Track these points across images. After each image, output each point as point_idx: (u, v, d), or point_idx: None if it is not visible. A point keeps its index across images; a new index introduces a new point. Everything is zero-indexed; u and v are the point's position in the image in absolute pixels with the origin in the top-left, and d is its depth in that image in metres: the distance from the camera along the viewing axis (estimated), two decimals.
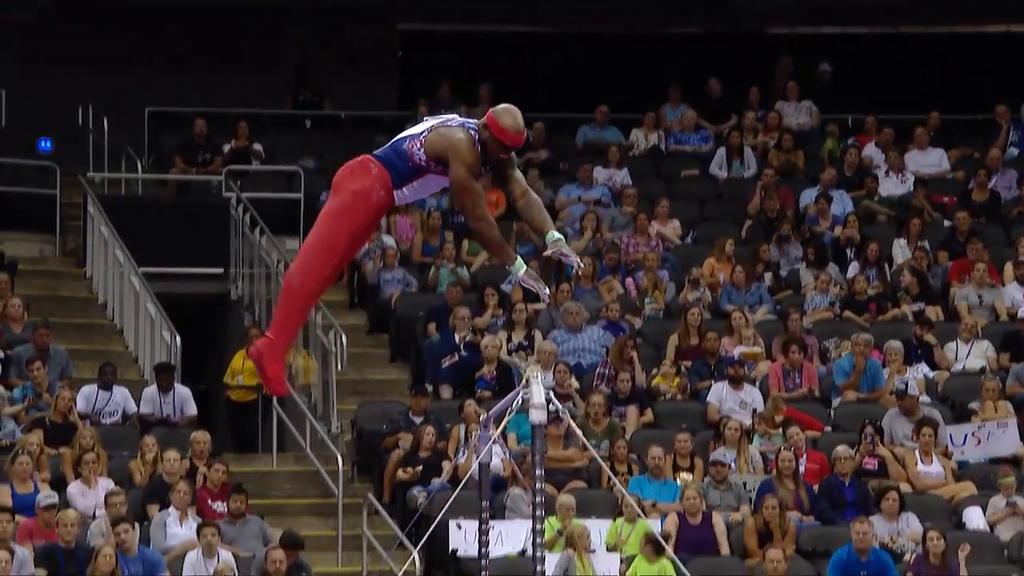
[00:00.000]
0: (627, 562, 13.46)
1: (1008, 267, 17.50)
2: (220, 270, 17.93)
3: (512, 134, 7.07)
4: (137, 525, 13.13)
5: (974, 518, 14.39)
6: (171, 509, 13.47)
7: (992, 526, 14.36)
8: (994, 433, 15.10)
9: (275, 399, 15.76)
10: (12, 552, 12.43)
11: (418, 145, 7.10)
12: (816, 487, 14.48)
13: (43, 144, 19.08)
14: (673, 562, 13.04)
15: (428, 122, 7.22)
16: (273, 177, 19.00)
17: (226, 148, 19.12)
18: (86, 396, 14.95)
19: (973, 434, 15.16)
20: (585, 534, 13.19)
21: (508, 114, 7.12)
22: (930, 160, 19.60)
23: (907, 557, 13.81)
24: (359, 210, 7.15)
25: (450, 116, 7.24)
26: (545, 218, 7.17)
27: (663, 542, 13.10)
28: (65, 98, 19.36)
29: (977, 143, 20.13)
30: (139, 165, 19.04)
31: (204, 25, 20.26)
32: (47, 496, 13.25)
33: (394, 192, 7.18)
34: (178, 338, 15.83)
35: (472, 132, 7.09)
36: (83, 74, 19.66)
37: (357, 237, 7.27)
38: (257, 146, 19.25)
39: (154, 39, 20.13)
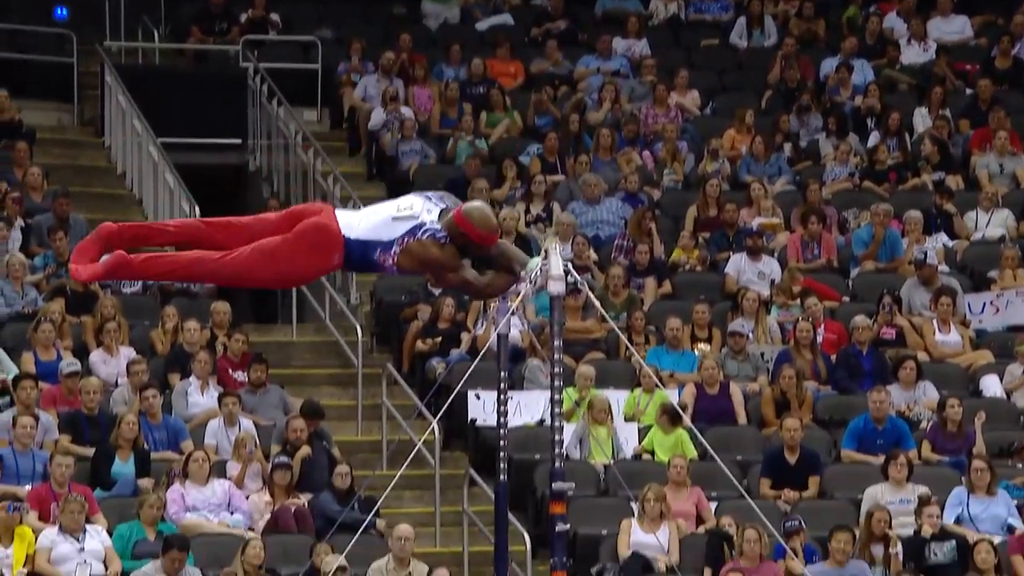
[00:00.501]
0: (644, 432, 13.58)
1: None
2: (238, 141, 17.90)
3: (483, 233, 6.96)
4: (159, 394, 13.26)
5: (991, 386, 14.45)
6: (192, 378, 13.60)
7: (1009, 393, 14.43)
8: (1013, 301, 15.13)
9: None
10: (36, 418, 12.59)
11: (390, 260, 6.93)
12: (834, 357, 14.54)
13: (59, 12, 18.97)
14: (689, 431, 13.14)
15: (396, 217, 6.94)
16: (290, 47, 18.90)
17: (243, 17, 19.00)
18: None
19: (991, 303, 15.18)
20: (606, 405, 13.28)
21: (477, 211, 6.99)
22: (953, 27, 19.42)
23: (923, 425, 13.90)
24: (306, 272, 6.98)
25: (413, 215, 6.94)
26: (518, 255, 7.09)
27: (680, 411, 13.20)
28: None
29: (1000, 9, 19.92)
30: (156, 34, 18.94)
31: None
32: (70, 364, 13.37)
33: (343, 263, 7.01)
34: (197, 208, 15.85)
35: (442, 240, 6.92)
36: None
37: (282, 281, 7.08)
38: (274, 16, 19.12)
39: None
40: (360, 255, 6.98)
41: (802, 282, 15.19)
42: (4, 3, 19.17)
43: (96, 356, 13.81)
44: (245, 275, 6.99)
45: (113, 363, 13.75)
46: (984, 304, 15.23)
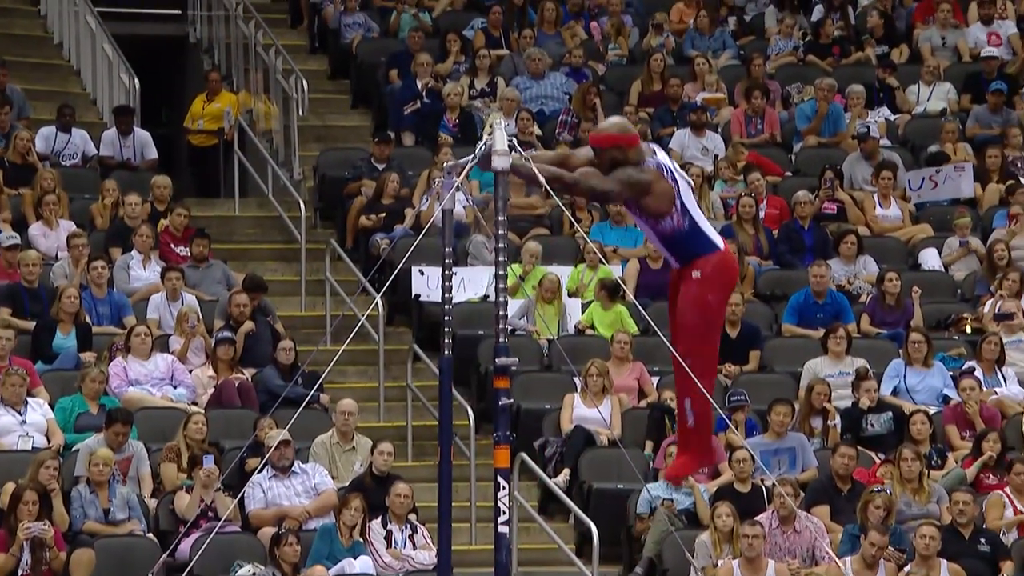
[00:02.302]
0: (587, 308, 13.63)
1: (972, 7, 17.41)
2: (178, 11, 17.65)
3: (622, 136, 7.01)
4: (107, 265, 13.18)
5: (929, 259, 14.59)
6: (134, 252, 13.52)
7: (947, 267, 14.57)
8: (951, 176, 15.22)
9: (236, 145, 15.70)
10: None
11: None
12: (776, 232, 14.61)
13: None
14: (630, 306, 13.20)
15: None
16: None
17: None
18: (45, 137, 14.85)
19: (930, 178, 15.27)
20: (556, 284, 13.29)
21: (611, 126, 7.10)
22: None
23: (863, 298, 14.03)
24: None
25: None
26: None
27: (623, 285, 13.24)
28: None
29: None
30: None
31: None
32: (9, 236, 13.26)
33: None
34: (137, 80, 15.66)
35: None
36: None
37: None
38: None
39: None
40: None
41: (746, 156, 15.21)
42: None
43: (35, 229, 13.70)
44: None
45: (53, 236, 13.65)
46: (923, 179, 15.32)
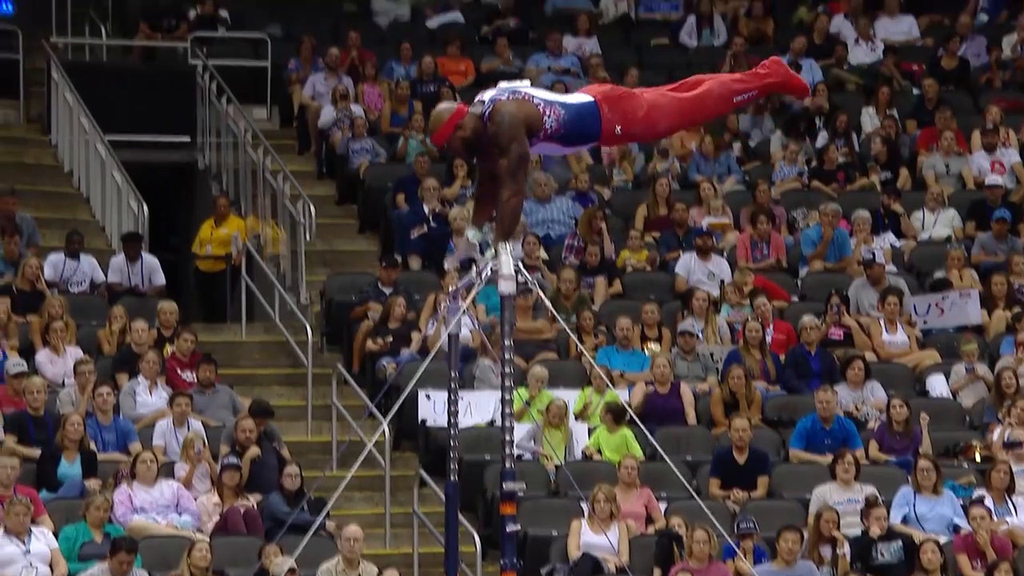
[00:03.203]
0: (593, 432, 13.58)
1: (976, 135, 17.52)
2: (187, 139, 17.81)
3: (448, 120, 7.02)
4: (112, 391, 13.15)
5: (937, 385, 14.54)
6: (140, 378, 13.51)
7: (954, 393, 14.52)
8: (957, 303, 15.22)
9: (243, 270, 15.75)
10: None
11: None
12: (782, 357, 14.59)
13: (5, 6, 18.82)
14: (635, 431, 13.15)
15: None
16: (240, 44, 18.81)
17: (192, 14, 18.90)
18: (53, 264, 14.91)
19: (936, 304, 15.27)
20: (563, 410, 13.26)
21: (433, 122, 7.10)
22: (900, 27, 19.54)
23: (871, 424, 13.97)
24: None
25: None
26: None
27: (628, 409, 13.20)
28: None
29: (946, 9, 20.04)
30: (103, 31, 18.81)
31: None
32: (16, 364, 13.26)
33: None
34: (145, 207, 15.76)
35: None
36: None
37: None
38: (223, 12, 19.03)
39: None
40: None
41: (754, 280, 15.23)
42: None
43: (42, 356, 13.70)
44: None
45: (60, 363, 13.65)
46: (929, 305, 15.33)
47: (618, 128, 7.13)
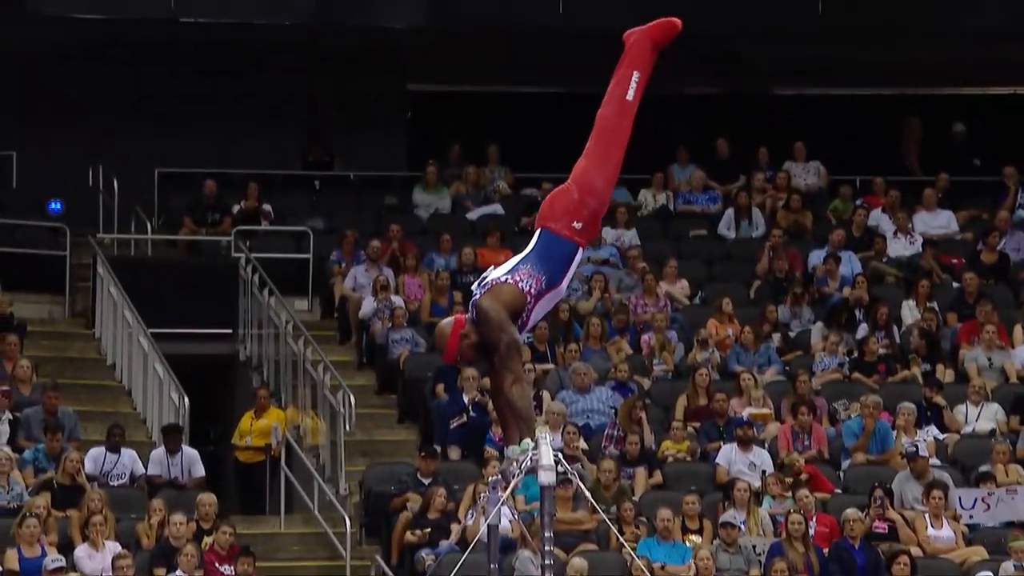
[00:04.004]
0: None
1: (1017, 329, 17.47)
2: (229, 331, 17.93)
3: (452, 338, 7.16)
4: None
5: None
6: (179, 572, 13.41)
7: None
8: (1003, 499, 15.04)
9: (283, 461, 15.72)
10: None
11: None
12: (826, 550, 14.39)
13: (53, 206, 19.14)
14: None
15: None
16: (282, 237, 19.04)
17: (236, 208, 19.17)
18: (94, 458, 14.92)
19: (983, 499, 15.08)
20: None
21: (440, 343, 7.24)
22: (939, 221, 19.61)
23: None
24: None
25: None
26: (511, 429, 7.09)
27: None
28: (75, 159, 19.44)
29: (985, 204, 20.15)
30: (149, 225, 19.08)
31: (213, 85, 20.36)
32: (54, 560, 13.20)
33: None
34: (186, 399, 15.81)
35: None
36: (93, 135, 19.74)
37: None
38: (267, 206, 19.30)
39: (164, 99, 20.23)
40: (543, 257, 7.21)
41: (805, 468, 15.09)
42: None
43: (81, 551, 13.64)
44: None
45: (99, 558, 13.58)
46: (975, 499, 15.14)
47: (576, 224, 7.19)
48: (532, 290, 7.12)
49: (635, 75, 7.30)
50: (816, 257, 18.75)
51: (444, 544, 13.98)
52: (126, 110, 20.13)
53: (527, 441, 7.02)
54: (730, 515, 14.47)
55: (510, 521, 13.32)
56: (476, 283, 7.23)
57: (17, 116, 19.71)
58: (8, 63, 19.56)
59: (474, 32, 19.87)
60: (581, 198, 7.24)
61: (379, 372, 17.35)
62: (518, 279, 7.12)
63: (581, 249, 7.24)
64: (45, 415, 15.12)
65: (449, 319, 7.23)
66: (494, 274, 7.17)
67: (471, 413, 15.79)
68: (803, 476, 15.01)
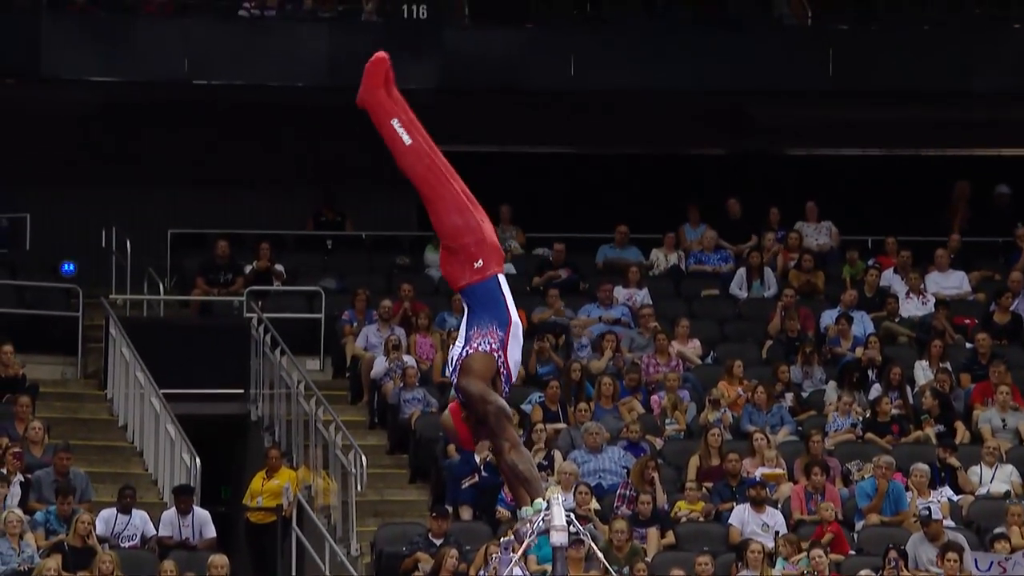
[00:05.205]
0: None
1: None
2: (240, 391, 17.93)
3: (459, 428, 7.29)
4: None
5: None
6: None
7: None
8: (1020, 563, 14.93)
9: (294, 521, 15.68)
10: None
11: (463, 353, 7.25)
12: None
13: (66, 267, 19.20)
14: None
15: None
16: (294, 297, 19.08)
17: (248, 269, 19.21)
18: (105, 520, 14.89)
19: (999, 563, 14.98)
20: None
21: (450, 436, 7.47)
22: (951, 282, 19.59)
23: None
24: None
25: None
26: (521, 491, 7.12)
27: None
28: (88, 221, 19.51)
29: (997, 265, 20.14)
30: (161, 286, 19.12)
31: (225, 146, 20.45)
32: None
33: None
34: (198, 460, 15.78)
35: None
36: (106, 197, 19.82)
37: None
38: (279, 267, 19.34)
39: (176, 161, 20.32)
40: (477, 305, 7.16)
41: (830, 527, 15.02)
42: (12, 261, 19.41)
43: None
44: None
45: None
46: (991, 563, 15.04)
47: (475, 264, 7.18)
48: (494, 345, 7.17)
49: (394, 122, 7.31)
50: (828, 317, 18.73)
51: None
52: (139, 171, 20.22)
53: (539, 501, 7.00)
54: None
55: None
56: (449, 369, 7.28)
57: (31, 177, 19.81)
58: (23, 124, 19.67)
59: (486, 93, 19.95)
60: (457, 245, 7.23)
61: (391, 432, 17.33)
62: (476, 344, 7.17)
63: (496, 275, 7.23)
64: (56, 477, 15.10)
65: (446, 412, 7.31)
66: (455, 352, 7.24)
67: (483, 473, 15.75)
68: (826, 537, 14.93)
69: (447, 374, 7.27)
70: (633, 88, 19.87)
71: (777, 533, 15.20)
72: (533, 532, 7.01)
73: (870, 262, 19.87)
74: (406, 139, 7.32)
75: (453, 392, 7.22)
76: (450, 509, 15.47)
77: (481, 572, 14.15)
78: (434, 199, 7.27)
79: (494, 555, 13.23)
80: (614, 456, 16.11)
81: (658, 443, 16.66)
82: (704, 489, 15.87)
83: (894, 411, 17.16)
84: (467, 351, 7.16)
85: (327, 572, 15.35)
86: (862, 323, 18.59)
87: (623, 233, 20.02)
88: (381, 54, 7.39)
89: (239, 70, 19.43)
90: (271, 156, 20.57)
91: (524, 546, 7.13)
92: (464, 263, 7.22)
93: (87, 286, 18.62)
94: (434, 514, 15.17)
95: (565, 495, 14.64)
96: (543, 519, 6.98)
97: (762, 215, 20.38)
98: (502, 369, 7.18)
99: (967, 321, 18.94)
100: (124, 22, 19.49)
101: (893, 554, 14.72)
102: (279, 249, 19.71)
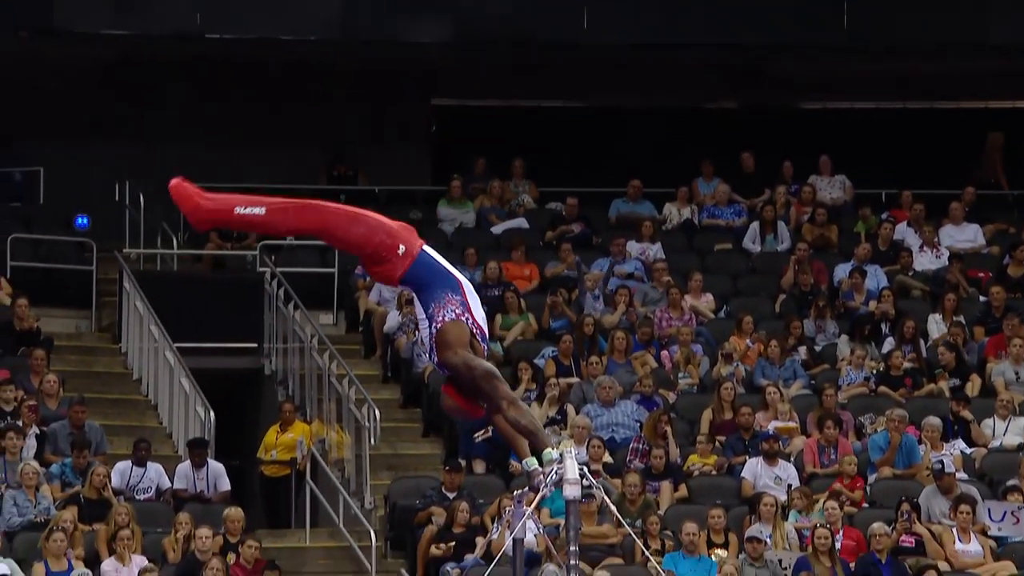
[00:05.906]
0: None
1: None
2: (254, 345, 17.97)
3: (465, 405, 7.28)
4: None
5: None
6: None
7: None
8: None
9: (308, 475, 15.75)
10: None
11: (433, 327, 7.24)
12: (852, 564, 14.35)
13: (80, 221, 19.23)
14: None
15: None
16: (307, 252, 19.08)
17: None
18: (120, 472, 14.97)
19: (1012, 512, 15.01)
20: None
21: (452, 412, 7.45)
22: (965, 235, 19.55)
23: None
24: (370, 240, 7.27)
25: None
26: (521, 444, 7.17)
27: None
28: (102, 175, 19.52)
29: (1012, 218, 20.09)
30: (175, 241, 19.15)
31: (238, 100, 20.43)
32: (81, 573, 13.23)
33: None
34: (212, 413, 15.84)
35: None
36: (119, 151, 19.82)
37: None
38: None
39: (190, 115, 20.31)
40: (422, 285, 7.18)
41: (854, 481, 15.08)
42: (27, 215, 19.44)
43: (108, 565, 13.68)
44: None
45: (125, 572, 13.62)
46: (1004, 513, 15.07)
47: (399, 249, 7.27)
48: (457, 311, 7.22)
49: (237, 209, 7.39)
50: (842, 271, 18.71)
51: (469, 558, 13.98)
52: (152, 125, 20.22)
53: (549, 451, 7.03)
54: (756, 529, 14.44)
55: (535, 535, 13.31)
56: (426, 355, 7.31)
57: (45, 131, 19.81)
58: (36, 79, 19.65)
59: (499, 46, 19.90)
60: (373, 248, 7.29)
61: (404, 386, 17.37)
62: (442, 317, 7.20)
63: (422, 248, 7.31)
64: (72, 429, 15.17)
65: (444, 396, 7.34)
66: (424, 335, 7.31)
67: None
68: (856, 493, 14.98)
69: (427, 361, 7.30)
70: (646, 42, 19.80)
71: (790, 486, 15.23)
72: (548, 484, 7.03)
73: (884, 215, 19.83)
74: (259, 211, 7.32)
75: (439, 373, 7.24)
76: (463, 463, 15.52)
77: (494, 525, 14.21)
78: (327, 229, 7.30)
79: (507, 508, 13.29)
80: (627, 410, 16.14)
81: (671, 397, 16.69)
82: (717, 443, 15.90)
83: (907, 365, 17.16)
84: (434, 327, 7.19)
85: (341, 525, 15.43)
86: (875, 277, 18.57)
87: (636, 187, 19.99)
88: (173, 182, 7.45)
89: (252, 24, 19.40)
90: (284, 110, 20.55)
91: (539, 496, 7.16)
92: (389, 259, 7.28)
93: (101, 240, 18.66)
94: (447, 468, 15.22)
95: (578, 449, 14.68)
96: (556, 472, 7.01)
97: (775, 169, 20.34)
98: (474, 329, 7.22)
99: (981, 274, 18.91)
100: None
101: (906, 506, 14.75)
102: None
